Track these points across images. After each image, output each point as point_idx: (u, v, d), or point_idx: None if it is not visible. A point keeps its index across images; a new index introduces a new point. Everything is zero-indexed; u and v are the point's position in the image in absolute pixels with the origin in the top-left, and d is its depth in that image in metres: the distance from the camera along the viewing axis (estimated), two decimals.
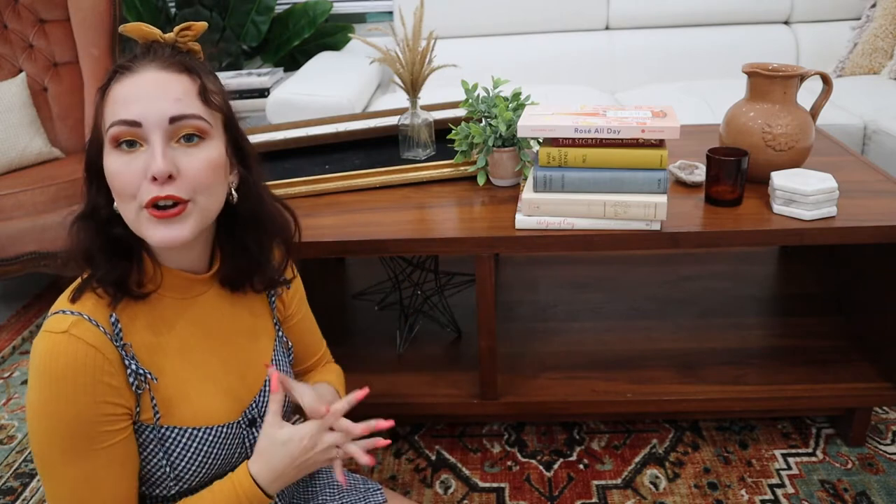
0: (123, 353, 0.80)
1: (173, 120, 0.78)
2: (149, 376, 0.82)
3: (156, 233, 0.79)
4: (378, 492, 1.10)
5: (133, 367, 0.81)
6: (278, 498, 0.99)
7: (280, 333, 1.01)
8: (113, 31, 2.37)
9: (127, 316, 0.82)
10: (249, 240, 0.91)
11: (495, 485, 1.46)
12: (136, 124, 0.77)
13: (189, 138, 0.79)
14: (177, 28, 0.84)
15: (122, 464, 0.81)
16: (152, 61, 0.80)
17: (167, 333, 0.86)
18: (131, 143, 0.77)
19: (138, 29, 0.82)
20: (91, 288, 0.81)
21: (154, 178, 0.77)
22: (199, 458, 0.85)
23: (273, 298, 1.00)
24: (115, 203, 0.82)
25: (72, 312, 0.78)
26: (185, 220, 0.79)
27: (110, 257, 0.82)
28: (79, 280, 0.82)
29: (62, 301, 0.81)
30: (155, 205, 0.77)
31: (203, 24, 0.85)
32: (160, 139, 0.77)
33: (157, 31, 0.83)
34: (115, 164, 0.78)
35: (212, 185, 0.82)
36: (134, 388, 0.80)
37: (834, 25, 2.83)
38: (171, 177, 0.77)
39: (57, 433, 0.76)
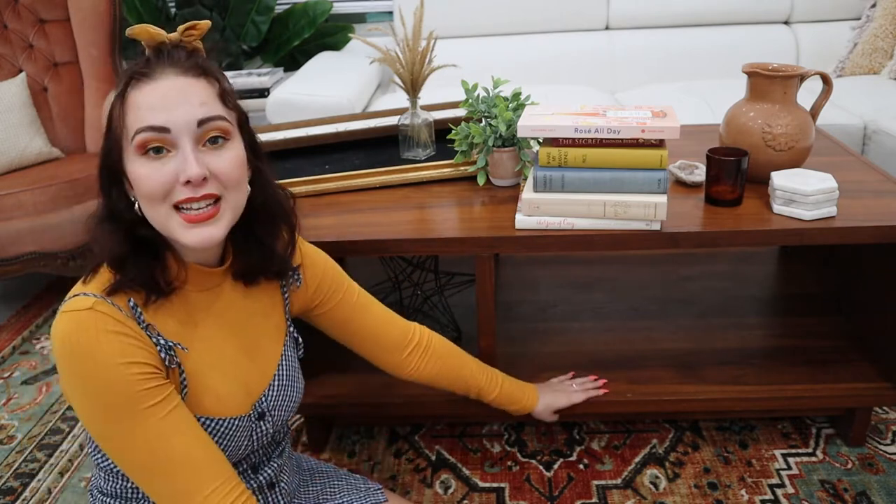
0: (149, 332, 0.81)
1: (201, 123, 0.80)
2: (179, 347, 0.84)
3: (191, 235, 0.81)
4: (378, 491, 1.10)
5: (162, 341, 0.82)
6: (280, 495, 1.00)
7: (291, 329, 1.02)
8: (113, 31, 2.37)
9: (145, 306, 0.84)
10: (262, 231, 0.93)
11: (495, 485, 1.46)
12: (164, 130, 0.78)
13: (214, 140, 0.81)
14: (181, 28, 0.85)
15: (184, 412, 0.81)
16: (171, 66, 0.80)
17: (185, 324, 0.87)
18: (158, 150, 0.79)
19: (145, 31, 0.82)
20: (123, 291, 0.82)
21: (187, 182, 0.79)
22: None
23: (286, 293, 1.01)
24: (135, 206, 0.83)
25: (94, 295, 0.79)
26: (219, 219, 0.82)
27: (138, 260, 0.83)
28: (94, 274, 0.83)
29: (78, 287, 0.82)
30: (188, 208, 0.80)
31: (207, 23, 0.86)
32: (189, 143, 0.79)
33: (163, 33, 0.83)
34: (144, 170, 0.79)
35: (239, 181, 0.85)
36: (166, 362, 0.82)
37: (834, 25, 2.83)
38: (204, 179, 0.80)
39: (102, 403, 0.77)
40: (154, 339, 0.81)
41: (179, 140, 0.79)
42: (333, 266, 1.10)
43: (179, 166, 0.79)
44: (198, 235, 0.81)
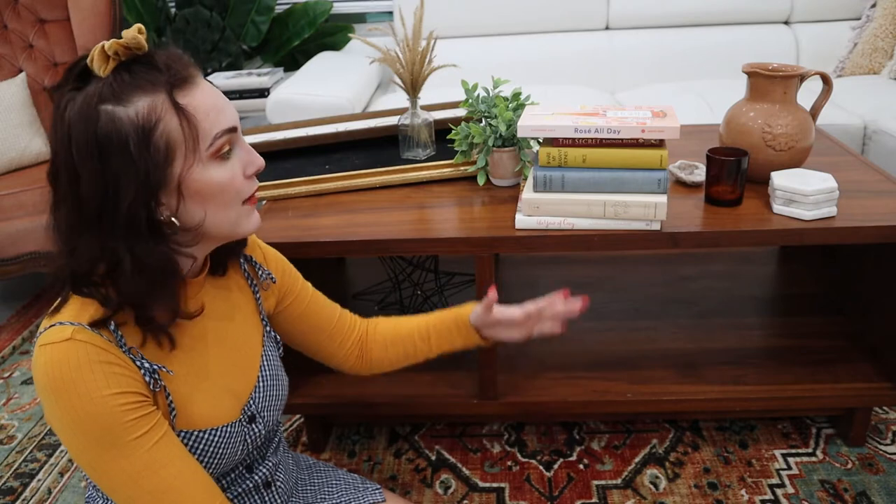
0: (131, 356, 0.79)
1: (241, 118, 0.83)
2: (163, 370, 0.82)
3: (253, 220, 0.86)
4: (376, 491, 1.10)
5: (146, 365, 0.80)
6: (276, 494, 1.00)
7: (268, 329, 1.01)
8: (113, 31, 2.37)
9: (126, 325, 0.82)
10: None
11: (495, 485, 1.46)
12: (235, 130, 0.81)
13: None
14: (134, 31, 0.78)
15: (172, 441, 0.80)
16: (189, 66, 0.79)
17: (166, 338, 0.86)
18: (225, 151, 0.81)
19: (136, 41, 0.77)
20: (153, 329, 0.81)
21: (252, 174, 0.83)
22: (206, 459, 0.86)
23: (258, 294, 1.01)
24: (174, 221, 0.79)
25: (71, 323, 0.76)
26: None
27: (173, 291, 0.83)
28: (63, 303, 0.79)
29: (54, 317, 0.78)
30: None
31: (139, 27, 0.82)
32: (243, 138, 0.84)
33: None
34: (226, 173, 0.80)
35: None
36: (151, 386, 0.80)
37: (834, 25, 2.83)
38: None
39: (88, 436, 0.75)
40: (138, 363, 0.79)
41: (240, 136, 0.82)
42: (286, 260, 1.10)
43: (245, 159, 0.82)
44: (257, 218, 0.86)
